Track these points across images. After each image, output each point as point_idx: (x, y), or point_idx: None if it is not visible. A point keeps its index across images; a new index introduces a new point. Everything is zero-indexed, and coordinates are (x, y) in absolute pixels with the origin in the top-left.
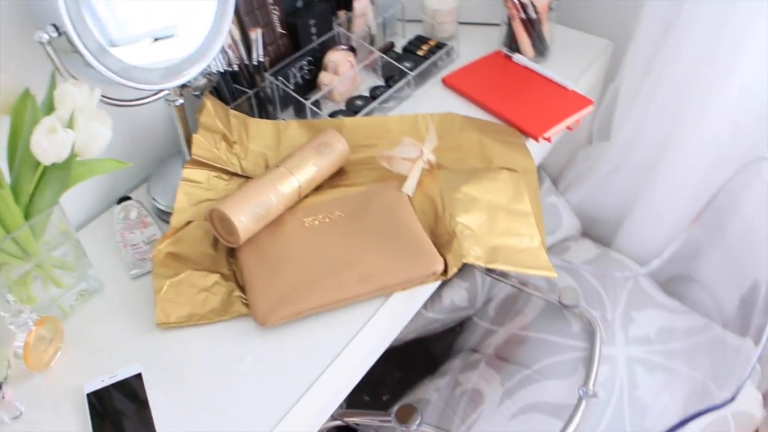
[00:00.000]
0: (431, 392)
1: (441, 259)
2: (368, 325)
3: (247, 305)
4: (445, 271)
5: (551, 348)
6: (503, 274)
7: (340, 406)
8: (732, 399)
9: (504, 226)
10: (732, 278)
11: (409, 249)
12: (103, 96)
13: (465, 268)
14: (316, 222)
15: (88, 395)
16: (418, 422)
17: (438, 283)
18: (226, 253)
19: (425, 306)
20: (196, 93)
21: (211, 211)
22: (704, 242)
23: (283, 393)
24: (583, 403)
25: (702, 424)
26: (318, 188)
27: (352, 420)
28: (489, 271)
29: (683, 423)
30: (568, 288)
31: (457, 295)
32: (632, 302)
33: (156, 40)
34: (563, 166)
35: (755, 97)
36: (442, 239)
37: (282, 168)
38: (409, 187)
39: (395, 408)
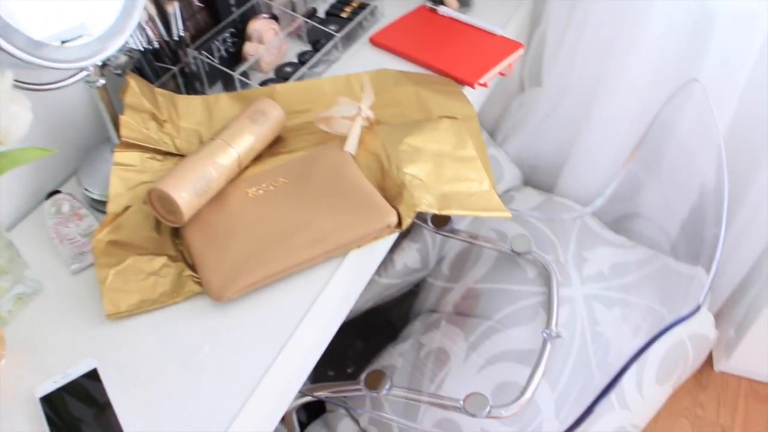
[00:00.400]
0: (396, 358)
1: (393, 211)
2: (328, 287)
3: (199, 283)
4: (399, 223)
5: (510, 296)
6: (453, 230)
7: (307, 382)
8: (691, 314)
9: (451, 173)
10: (672, 206)
11: (360, 205)
12: (16, 81)
13: (414, 229)
14: (260, 191)
15: (41, 399)
16: (387, 387)
17: (394, 236)
18: (171, 235)
19: (378, 273)
20: (118, 72)
21: (149, 191)
22: (643, 176)
23: (247, 370)
24: (549, 345)
25: (663, 350)
26: (258, 158)
27: (321, 394)
28: (438, 229)
29: (646, 347)
30: (519, 236)
31: (409, 258)
32: (582, 242)
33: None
34: (499, 117)
35: (680, 25)
36: (391, 192)
37: (218, 140)
38: (350, 145)
39: (363, 375)
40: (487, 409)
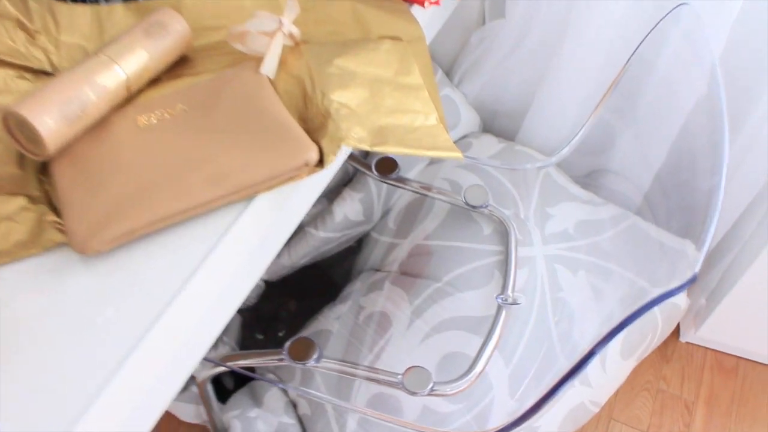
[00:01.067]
0: (332, 322)
1: (314, 146)
2: (227, 237)
3: (63, 231)
4: (321, 161)
5: (462, 256)
6: (401, 179)
7: (235, 348)
8: (683, 287)
9: (392, 102)
10: (647, 159)
11: (272, 138)
12: None
13: (357, 177)
14: (153, 120)
15: None
16: (315, 357)
17: (324, 178)
18: (37, 171)
19: (315, 225)
20: None
21: (4, 116)
22: (616, 125)
23: (124, 333)
24: (504, 312)
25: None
26: (155, 82)
27: (235, 364)
28: (383, 176)
29: (624, 325)
30: (474, 186)
31: (350, 209)
32: (545, 197)
33: None
34: (455, 53)
35: None
36: (314, 123)
37: (101, 56)
38: (268, 67)
39: (288, 343)
40: (430, 386)
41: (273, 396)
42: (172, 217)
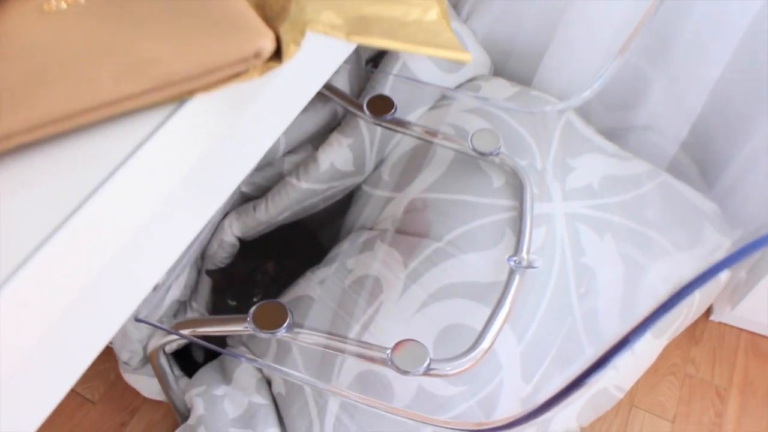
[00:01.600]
0: (314, 287)
1: (269, 33)
2: (142, 150)
3: None
4: (279, 53)
5: (467, 211)
6: (398, 121)
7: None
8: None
9: None
10: (679, 108)
11: (214, 25)
12: None
13: (347, 120)
14: (63, 5)
15: None
16: (286, 325)
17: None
18: None
19: (296, 174)
20: None
21: None
22: (646, 71)
23: None
24: (516, 278)
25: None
26: None
27: (191, 331)
28: (377, 118)
29: (667, 308)
30: (484, 130)
31: (338, 157)
32: (567, 147)
33: None
34: None
35: None
36: (273, 10)
37: None
38: None
39: (253, 309)
40: (426, 364)
41: (244, 372)
42: (65, 119)
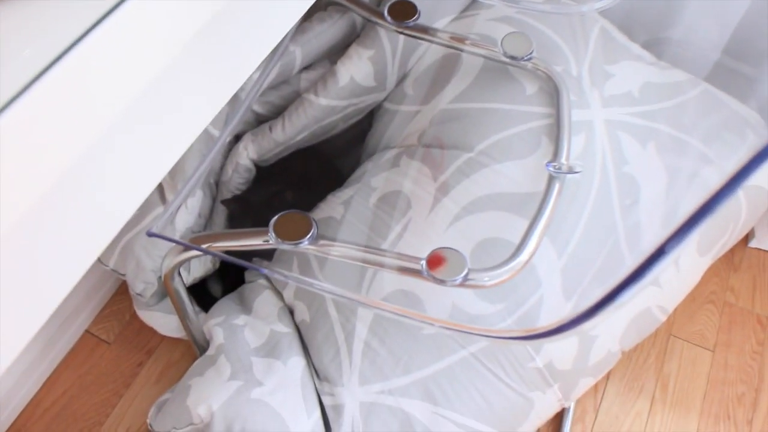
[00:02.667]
0: (336, 207)
1: None
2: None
3: None
4: None
5: (499, 119)
6: (422, 28)
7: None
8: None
9: None
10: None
11: None
12: None
13: (366, 30)
14: None
15: None
16: (310, 236)
17: None
18: None
19: (315, 90)
20: None
21: None
22: None
23: None
24: (556, 185)
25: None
26: None
27: (208, 246)
28: (400, 24)
29: (705, 212)
30: (514, 34)
31: (358, 70)
32: (603, 53)
33: None
34: None
35: None
36: None
37: None
38: None
39: (274, 220)
40: (464, 273)
41: (264, 301)
42: None
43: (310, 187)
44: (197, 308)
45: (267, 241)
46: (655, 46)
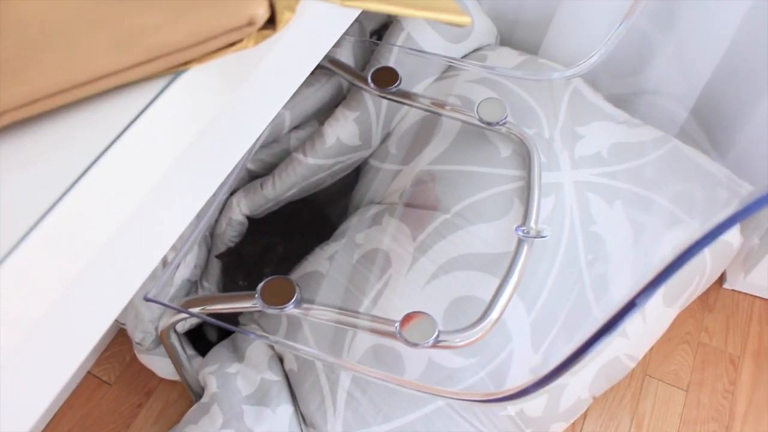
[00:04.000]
0: (323, 262)
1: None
2: (134, 128)
3: None
4: (273, 21)
5: (475, 182)
6: (403, 93)
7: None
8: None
9: None
10: (690, 75)
11: None
12: None
13: (352, 94)
14: None
15: None
16: (294, 300)
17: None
18: None
19: (303, 150)
20: None
21: None
22: (652, 36)
23: None
24: (525, 247)
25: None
26: None
27: (200, 309)
28: (382, 90)
29: (672, 269)
30: (490, 100)
31: (344, 131)
32: (575, 114)
33: None
34: None
35: None
36: None
37: None
38: None
39: (261, 285)
40: (434, 336)
41: (256, 349)
42: (59, 94)
43: (302, 236)
44: (192, 352)
45: (255, 305)
46: (628, 99)
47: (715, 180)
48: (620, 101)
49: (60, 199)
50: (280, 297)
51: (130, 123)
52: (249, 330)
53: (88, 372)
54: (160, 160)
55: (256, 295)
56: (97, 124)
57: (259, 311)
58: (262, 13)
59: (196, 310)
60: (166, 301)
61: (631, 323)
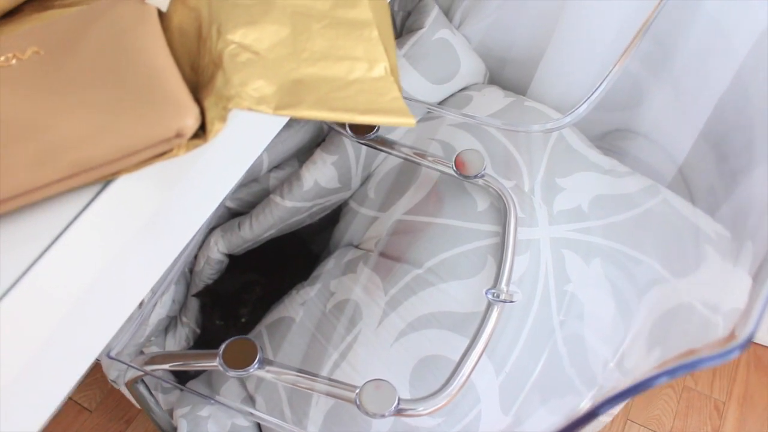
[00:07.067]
0: (296, 308)
1: (192, 108)
2: (60, 243)
3: None
4: (204, 128)
5: (449, 236)
6: (382, 141)
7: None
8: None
9: (322, 44)
10: (685, 121)
11: (138, 96)
12: None
13: (331, 137)
14: None
15: None
16: (256, 363)
17: (237, 152)
18: None
19: (281, 192)
20: None
21: None
22: (646, 79)
23: None
24: (495, 310)
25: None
26: (12, 14)
27: (155, 368)
28: (360, 137)
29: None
30: (468, 151)
31: (321, 174)
32: (556, 165)
33: None
34: None
35: None
36: (205, 75)
37: None
38: None
39: (222, 347)
40: (394, 405)
41: (229, 389)
42: None
43: (283, 268)
44: (169, 385)
45: (216, 365)
46: (620, 137)
47: (703, 236)
48: (611, 146)
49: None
50: (242, 358)
51: (58, 234)
52: (203, 393)
53: (70, 398)
54: (92, 267)
55: (218, 358)
56: (25, 236)
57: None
58: (191, 124)
59: (154, 367)
60: (132, 348)
61: (609, 378)
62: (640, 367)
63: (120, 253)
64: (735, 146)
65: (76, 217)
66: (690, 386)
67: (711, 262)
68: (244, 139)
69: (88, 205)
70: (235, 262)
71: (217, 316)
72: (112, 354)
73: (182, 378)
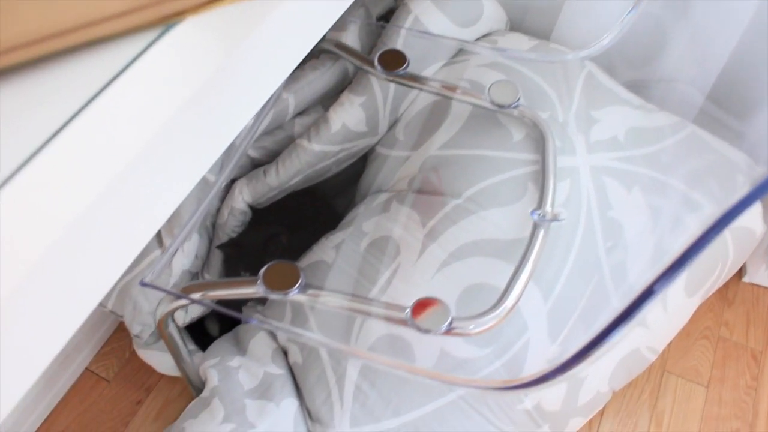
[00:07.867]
0: (329, 252)
1: None
2: (121, 79)
3: None
4: None
5: (486, 166)
6: (412, 76)
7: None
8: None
9: None
10: (703, 58)
11: None
12: None
13: (358, 78)
14: None
15: None
16: (298, 286)
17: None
18: None
19: (308, 136)
20: None
21: None
22: (666, 20)
23: None
24: (541, 232)
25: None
26: None
27: (201, 294)
28: (390, 73)
29: (690, 255)
30: (501, 82)
31: (350, 117)
32: (590, 98)
33: None
34: None
35: None
36: None
37: None
38: None
39: (263, 270)
40: (447, 322)
41: (259, 342)
42: (35, 44)
43: (306, 227)
44: (194, 347)
45: (257, 290)
46: (643, 86)
47: (733, 165)
48: (635, 87)
49: (30, 159)
50: (283, 282)
51: (113, 78)
52: (251, 317)
53: (87, 368)
54: (146, 123)
55: (259, 281)
56: (77, 80)
57: (263, 302)
58: None
59: (196, 295)
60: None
61: (652, 313)
62: (679, 300)
63: (173, 117)
64: (754, 83)
65: (129, 64)
66: (725, 336)
67: (740, 187)
68: (307, 10)
69: (142, 52)
70: (258, 217)
71: (242, 268)
72: (146, 280)
73: (205, 341)
